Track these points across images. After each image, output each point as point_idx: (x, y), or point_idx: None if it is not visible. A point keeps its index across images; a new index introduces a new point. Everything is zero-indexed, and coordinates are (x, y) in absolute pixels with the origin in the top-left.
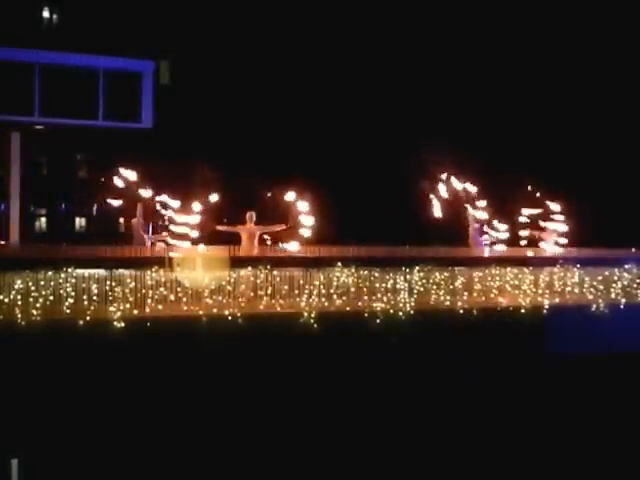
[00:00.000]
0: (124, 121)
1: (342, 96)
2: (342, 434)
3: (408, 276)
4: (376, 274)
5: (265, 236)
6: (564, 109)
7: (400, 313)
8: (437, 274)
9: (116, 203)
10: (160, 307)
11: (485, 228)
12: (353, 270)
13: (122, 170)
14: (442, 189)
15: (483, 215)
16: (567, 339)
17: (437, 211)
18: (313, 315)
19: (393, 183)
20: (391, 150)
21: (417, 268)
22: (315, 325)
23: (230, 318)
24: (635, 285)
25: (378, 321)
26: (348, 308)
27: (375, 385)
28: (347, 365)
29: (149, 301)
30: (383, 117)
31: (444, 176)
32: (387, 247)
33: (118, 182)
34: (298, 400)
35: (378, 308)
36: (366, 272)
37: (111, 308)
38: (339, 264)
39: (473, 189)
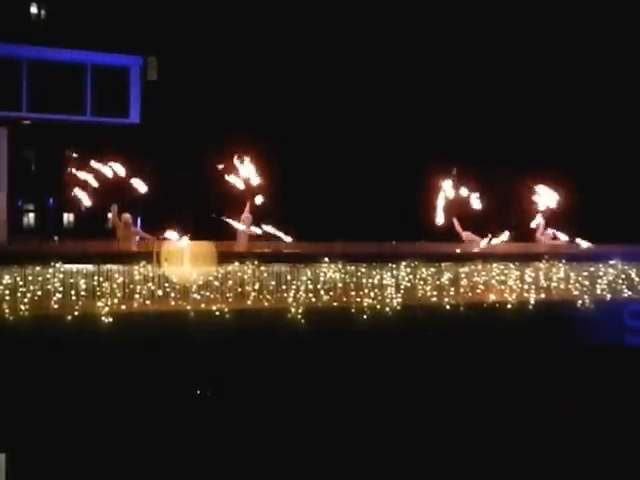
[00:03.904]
0: (112, 116)
1: (332, 92)
2: (330, 430)
3: (395, 272)
4: (363, 270)
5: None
6: (552, 105)
7: (387, 309)
8: (424, 270)
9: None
10: (148, 302)
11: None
12: (340, 266)
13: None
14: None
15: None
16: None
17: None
18: (300, 311)
19: (383, 179)
20: (382, 147)
21: (404, 264)
22: (302, 321)
23: (218, 314)
24: (620, 281)
25: (365, 317)
26: (335, 304)
27: (362, 381)
28: (334, 360)
29: (137, 296)
30: (374, 113)
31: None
32: (374, 243)
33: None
34: (285, 396)
35: (365, 304)
36: (353, 268)
37: (99, 303)
38: (326, 260)
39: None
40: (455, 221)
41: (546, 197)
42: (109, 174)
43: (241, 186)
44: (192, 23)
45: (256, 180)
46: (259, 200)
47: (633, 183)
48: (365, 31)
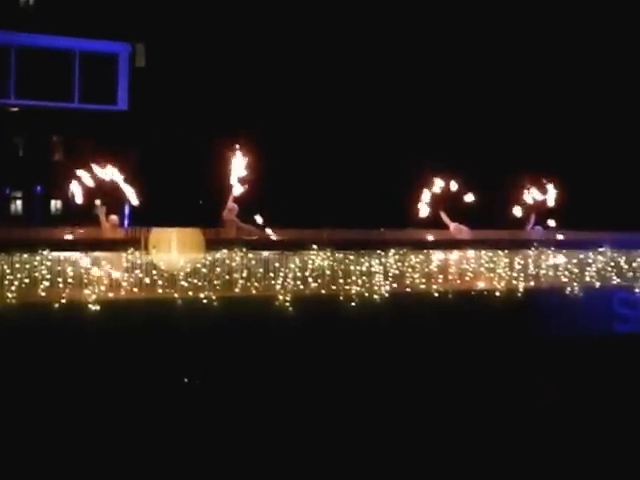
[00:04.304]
0: (100, 103)
1: (321, 79)
2: (318, 418)
3: (383, 259)
4: (351, 257)
5: None
6: (538, 90)
7: (375, 296)
8: (412, 257)
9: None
10: (135, 290)
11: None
12: (328, 253)
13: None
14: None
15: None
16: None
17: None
18: (288, 298)
19: (371, 166)
20: (371, 134)
21: (392, 251)
22: (290, 308)
23: (205, 301)
24: (609, 268)
25: (353, 304)
26: (323, 291)
27: (351, 368)
28: (322, 348)
29: (124, 284)
30: (363, 100)
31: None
32: (362, 230)
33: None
34: (273, 384)
35: (353, 291)
36: (341, 255)
37: (86, 291)
38: (314, 247)
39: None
40: (442, 214)
41: (540, 192)
42: (106, 177)
43: (234, 177)
44: (180, 9)
45: (243, 170)
46: (239, 189)
47: (622, 171)
48: (353, 21)
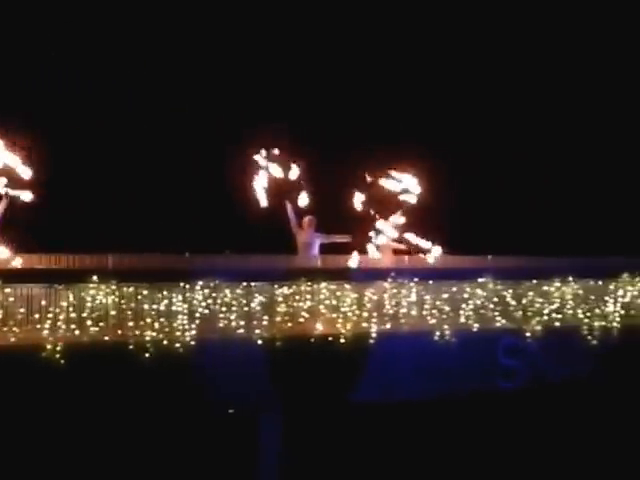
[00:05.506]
0: None
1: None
2: None
3: (188, 294)
4: (145, 292)
5: None
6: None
7: (177, 345)
8: (227, 292)
9: None
10: None
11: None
12: (114, 287)
13: None
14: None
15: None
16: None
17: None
18: (59, 348)
19: (169, 167)
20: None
21: (200, 284)
22: (62, 361)
23: None
24: (492, 306)
25: (147, 355)
26: (107, 338)
27: (141, 436)
28: (104, 412)
29: None
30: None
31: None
32: (160, 256)
33: None
34: (36, 458)
35: (147, 338)
36: (131, 289)
37: None
38: (95, 279)
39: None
40: (288, 206)
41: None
42: None
43: None
44: None
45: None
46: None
47: (509, 175)
48: None
